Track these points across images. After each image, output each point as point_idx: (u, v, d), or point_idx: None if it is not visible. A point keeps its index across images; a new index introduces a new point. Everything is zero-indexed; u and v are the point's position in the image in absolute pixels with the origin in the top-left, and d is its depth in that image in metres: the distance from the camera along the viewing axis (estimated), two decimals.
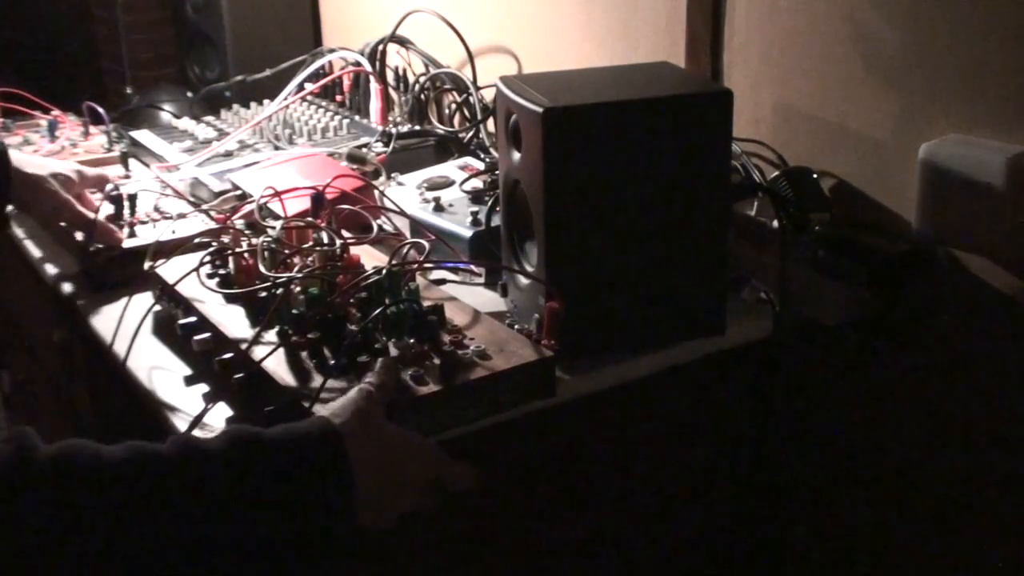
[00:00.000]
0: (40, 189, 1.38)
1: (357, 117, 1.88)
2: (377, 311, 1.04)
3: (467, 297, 1.18)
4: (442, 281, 1.28)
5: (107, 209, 1.42)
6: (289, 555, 0.81)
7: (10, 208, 1.43)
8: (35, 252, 1.50)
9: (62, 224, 1.42)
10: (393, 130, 1.74)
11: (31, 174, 1.37)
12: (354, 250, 1.20)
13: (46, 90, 1.98)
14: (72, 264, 1.41)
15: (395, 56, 1.94)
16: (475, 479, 0.95)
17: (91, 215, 1.37)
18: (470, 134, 1.76)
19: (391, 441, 0.90)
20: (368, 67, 1.85)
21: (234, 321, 1.11)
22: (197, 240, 1.27)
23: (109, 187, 1.50)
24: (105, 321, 1.26)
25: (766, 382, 1.29)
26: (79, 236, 1.38)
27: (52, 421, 1.80)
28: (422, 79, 1.85)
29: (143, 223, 1.43)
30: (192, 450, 0.79)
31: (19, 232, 1.56)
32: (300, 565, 0.82)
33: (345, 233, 1.24)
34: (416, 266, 1.19)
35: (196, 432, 0.99)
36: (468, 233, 1.30)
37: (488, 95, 1.69)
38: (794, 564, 1.44)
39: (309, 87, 1.87)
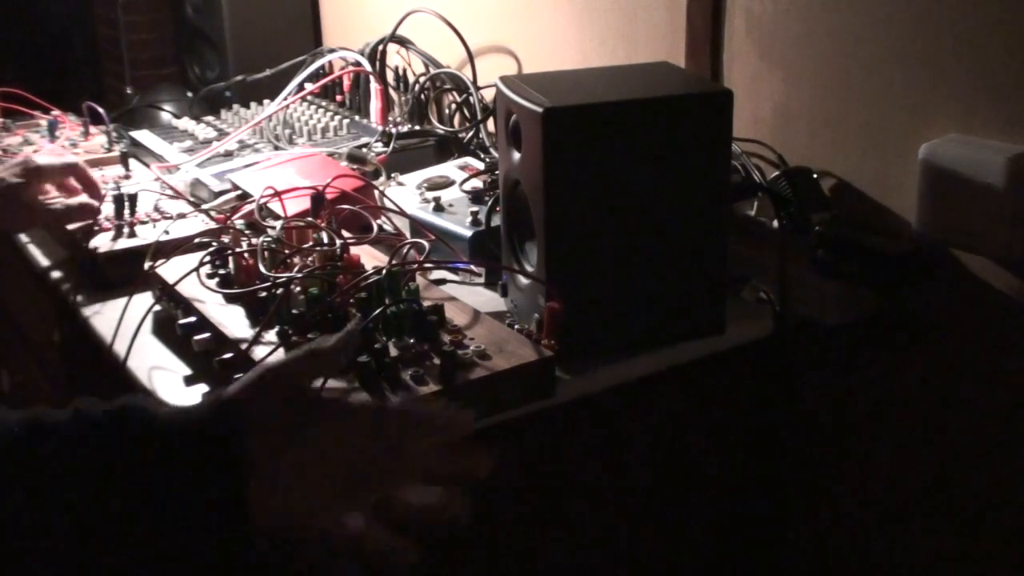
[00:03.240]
0: (2, 211, 1.35)
1: (357, 117, 1.88)
2: (377, 311, 1.04)
3: (467, 297, 1.18)
4: (442, 281, 1.28)
5: (107, 210, 1.42)
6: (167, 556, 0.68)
7: None
8: (35, 252, 1.50)
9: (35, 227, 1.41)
10: (393, 130, 1.74)
11: None
12: (354, 250, 1.20)
13: (46, 90, 1.98)
14: (72, 264, 1.41)
15: (395, 56, 1.94)
16: (488, 465, 0.77)
17: (59, 204, 1.35)
18: (470, 134, 1.76)
19: (321, 413, 0.73)
20: (368, 67, 1.85)
21: (234, 321, 1.11)
22: (197, 240, 1.27)
23: (109, 184, 1.50)
24: (105, 321, 1.26)
25: (766, 382, 1.29)
26: (80, 237, 1.37)
27: None
28: (422, 79, 1.85)
29: (143, 223, 1.43)
30: (82, 415, 0.71)
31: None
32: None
33: (345, 233, 1.24)
34: (416, 266, 1.19)
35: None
36: (468, 233, 1.30)
37: (488, 95, 1.69)
38: (794, 564, 1.44)
39: (309, 87, 1.87)
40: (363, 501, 0.72)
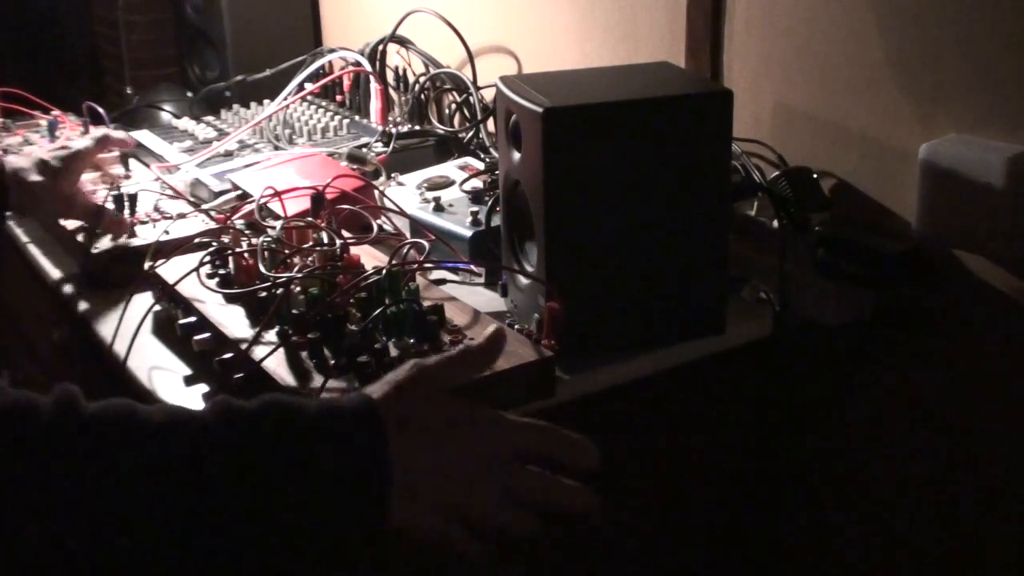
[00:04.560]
0: (42, 196, 1.35)
1: (357, 117, 1.88)
2: (377, 311, 1.04)
3: (467, 297, 1.18)
4: (442, 281, 1.28)
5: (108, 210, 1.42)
6: (312, 537, 0.73)
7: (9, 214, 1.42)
8: (35, 252, 1.50)
9: (70, 219, 1.41)
10: (393, 130, 1.74)
11: (32, 181, 1.34)
12: (354, 250, 1.20)
13: (46, 90, 1.98)
14: (72, 264, 1.41)
15: (395, 56, 1.94)
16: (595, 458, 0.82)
17: (97, 203, 1.36)
18: (470, 134, 1.76)
19: (451, 421, 0.77)
20: (368, 67, 1.85)
21: (234, 321, 1.11)
22: (197, 240, 1.27)
23: (112, 183, 1.50)
24: (105, 321, 1.26)
25: (766, 382, 1.29)
26: (80, 237, 1.37)
27: None
28: (422, 79, 1.85)
29: (143, 223, 1.43)
30: (228, 412, 0.73)
31: (19, 232, 1.55)
32: (323, 553, 0.74)
33: (345, 233, 1.24)
34: (416, 266, 1.19)
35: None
36: (468, 233, 1.30)
37: (488, 95, 1.69)
38: (794, 563, 1.44)
39: (309, 87, 1.87)
40: (491, 501, 0.77)
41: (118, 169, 1.68)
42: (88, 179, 1.59)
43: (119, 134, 1.56)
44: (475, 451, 0.77)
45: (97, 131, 1.50)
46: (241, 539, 0.71)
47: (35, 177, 1.35)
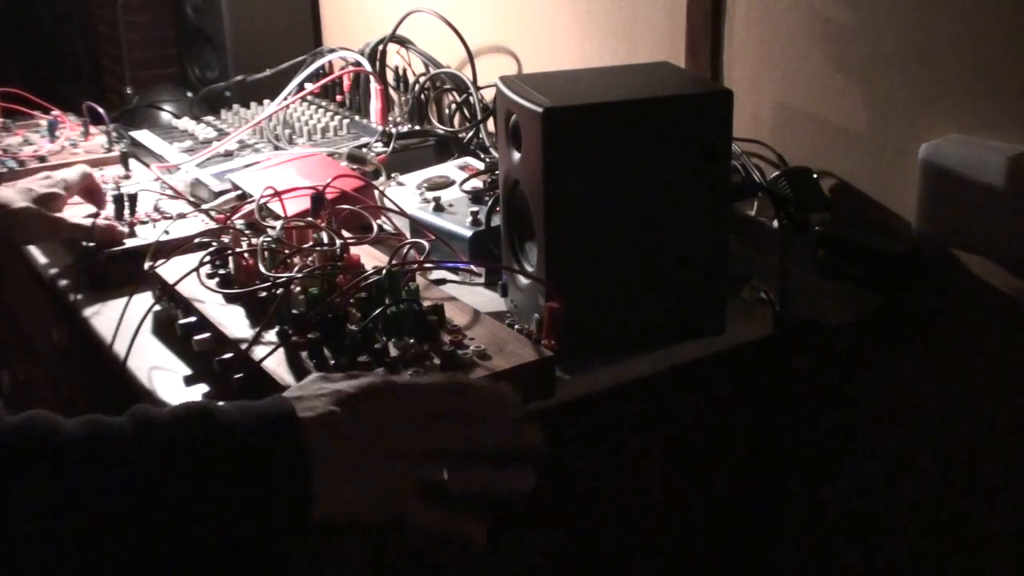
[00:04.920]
0: (30, 220, 1.35)
1: (357, 117, 1.88)
2: (377, 311, 1.04)
3: (467, 297, 1.18)
4: (442, 281, 1.28)
5: (107, 210, 1.42)
6: (236, 541, 0.73)
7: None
8: (35, 252, 1.50)
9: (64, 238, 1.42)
10: (393, 130, 1.74)
11: (18, 209, 1.35)
12: (354, 250, 1.20)
13: (46, 90, 1.98)
14: (72, 264, 1.41)
15: (395, 56, 1.94)
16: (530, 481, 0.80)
17: (87, 222, 1.36)
18: (470, 134, 1.76)
19: (360, 411, 0.77)
20: (368, 67, 1.85)
21: (234, 321, 1.11)
22: (197, 240, 1.27)
23: (109, 184, 1.50)
24: (105, 321, 1.26)
25: (766, 382, 1.29)
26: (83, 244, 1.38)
27: None
28: (422, 79, 1.85)
29: (143, 223, 1.43)
30: (147, 424, 0.73)
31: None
32: (247, 555, 0.74)
33: (345, 233, 1.24)
34: (416, 266, 1.19)
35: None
36: (468, 233, 1.30)
37: (488, 95, 1.69)
38: (793, 564, 1.44)
39: (309, 87, 1.87)
40: (418, 484, 0.77)
41: (118, 169, 1.68)
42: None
43: (95, 180, 1.50)
44: (395, 421, 0.77)
45: (82, 170, 1.48)
46: (165, 547, 0.71)
47: (21, 204, 1.35)
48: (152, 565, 0.71)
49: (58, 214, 1.38)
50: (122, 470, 0.71)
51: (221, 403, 0.77)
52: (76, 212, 1.42)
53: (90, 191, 1.46)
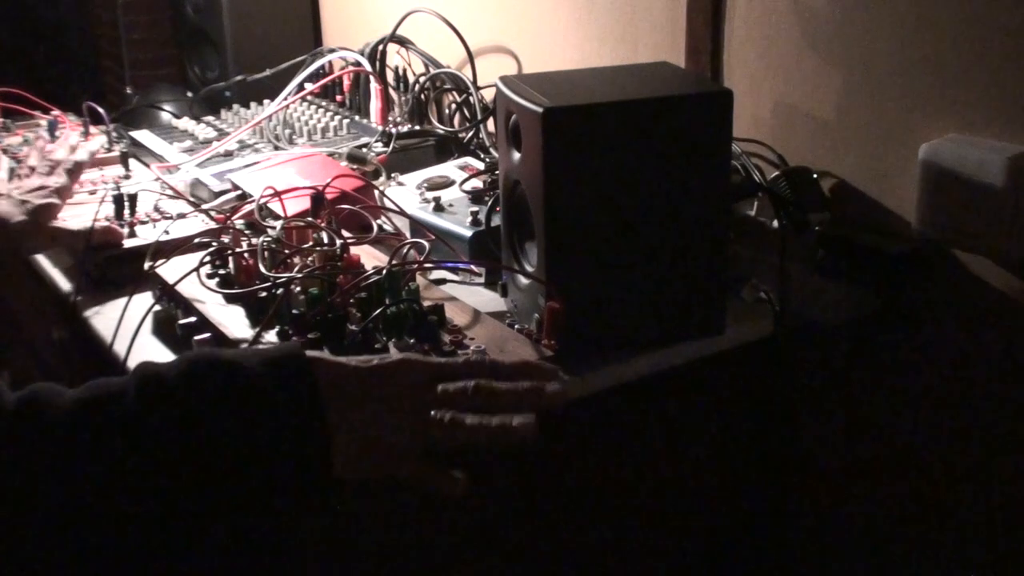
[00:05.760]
0: (27, 233, 1.36)
1: (357, 117, 1.88)
2: (377, 311, 1.04)
3: (467, 297, 1.18)
4: (442, 281, 1.28)
5: (107, 209, 1.42)
6: (256, 493, 0.74)
7: None
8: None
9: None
10: (393, 130, 1.74)
11: (15, 224, 1.34)
12: (354, 250, 1.20)
13: (46, 90, 1.98)
14: (72, 264, 1.41)
15: (395, 56, 1.94)
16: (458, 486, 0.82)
17: (85, 227, 1.36)
18: (470, 134, 1.76)
19: (375, 370, 0.79)
20: (368, 67, 1.85)
21: (234, 321, 1.11)
22: (197, 240, 1.27)
23: (109, 184, 1.49)
24: (105, 321, 1.26)
25: (766, 382, 1.29)
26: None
27: None
28: (422, 79, 1.85)
29: (143, 223, 1.43)
30: (151, 378, 0.74)
31: None
32: (269, 508, 0.76)
33: (345, 233, 1.24)
34: (416, 266, 1.19)
35: None
36: (468, 233, 1.30)
37: (488, 95, 1.69)
38: (794, 563, 1.44)
39: (309, 87, 1.87)
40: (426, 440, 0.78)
41: (118, 169, 1.68)
42: (87, 178, 1.59)
43: (85, 154, 1.53)
44: (406, 382, 0.79)
45: (68, 162, 1.48)
46: (184, 502, 0.72)
47: (18, 219, 1.35)
48: (167, 524, 0.72)
49: (56, 223, 1.38)
50: (126, 430, 0.71)
51: (226, 350, 0.77)
52: (77, 213, 1.42)
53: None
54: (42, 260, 1.47)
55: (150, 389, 0.73)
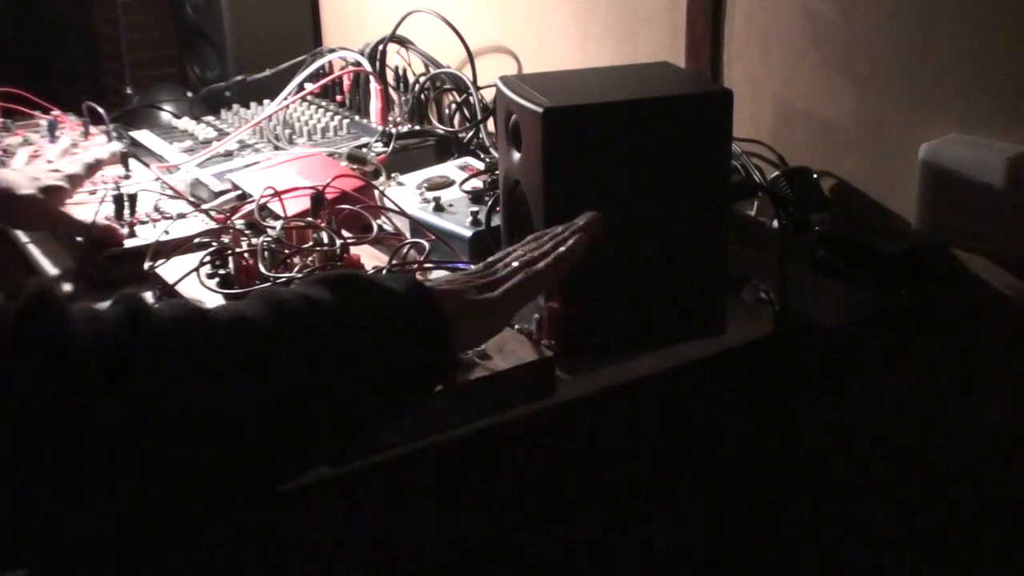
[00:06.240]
0: (32, 208, 1.37)
1: (357, 117, 1.88)
2: None
3: None
4: None
5: (107, 209, 1.42)
6: (398, 380, 0.83)
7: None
8: (35, 252, 1.50)
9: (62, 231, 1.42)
10: (393, 130, 1.74)
11: (22, 195, 1.36)
12: (354, 250, 1.20)
13: (46, 90, 1.98)
14: (72, 264, 1.41)
15: (395, 56, 1.94)
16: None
17: (87, 219, 1.37)
18: (470, 134, 1.76)
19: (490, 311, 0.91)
20: (368, 67, 1.85)
21: None
22: (197, 240, 1.27)
23: (109, 184, 1.49)
24: None
25: (766, 382, 1.28)
26: (79, 239, 1.38)
27: None
28: (422, 79, 1.85)
29: (143, 223, 1.43)
30: (308, 300, 0.80)
31: (19, 233, 1.55)
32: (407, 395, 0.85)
33: (345, 233, 1.24)
34: (416, 266, 1.19)
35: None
36: (468, 233, 1.30)
37: (488, 95, 1.69)
38: (794, 563, 1.44)
39: (309, 87, 1.87)
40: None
41: (118, 169, 1.68)
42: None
43: (105, 153, 1.57)
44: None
45: (88, 156, 1.52)
46: (341, 395, 0.78)
47: (27, 191, 1.36)
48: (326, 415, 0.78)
49: (61, 207, 1.39)
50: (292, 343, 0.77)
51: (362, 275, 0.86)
52: (78, 213, 1.42)
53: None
54: (42, 260, 1.47)
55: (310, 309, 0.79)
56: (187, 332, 0.73)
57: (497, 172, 1.32)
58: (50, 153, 1.52)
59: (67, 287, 1.37)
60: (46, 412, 0.65)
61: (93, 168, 1.51)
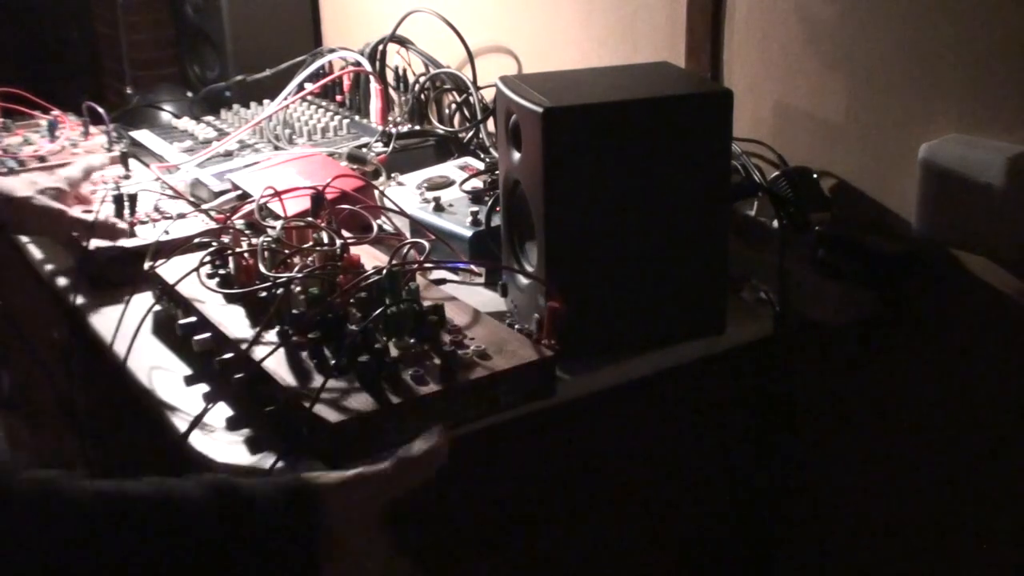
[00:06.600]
0: (30, 209, 1.37)
1: (357, 117, 1.88)
2: (377, 311, 1.04)
3: (467, 297, 1.18)
4: (442, 281, 1.28)
5: (107, 209, 1.42)
6: None
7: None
8: (35, 252, 1.50)
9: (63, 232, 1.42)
10: (393, 130, 1.74)
11: (20, 197, 1.37)
12: (354, 250, 1.20)
13: (46, 90, 1.98)
14: (72, 264, 1.41)
15: (395, 56, 1.94)
16: None
17: (88, 217, 1.37)
18: (470, 134, 1.76)
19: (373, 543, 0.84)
20: (368, 67, 1.85)
21: (234, 321, 1.11)
22: (197, 240, 1.27)
23: (109, 184, 1.50)
24: (105, 321, 1.26)
25: (766, 382, 1.29)
26: (79, 236, 1.38)
27: (52, 421, 1.80)
28: (422, 79, 1.85)
29: (143, 223, 1.43)
30: (173, 496, 0.77)
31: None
32: None
33: (345, 233, 1.24)
34: (416, 266, 1.19)
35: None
36: (468, 233, 1.30)
37: (488, 95, 1.69)
38: (792, 564, 1.44)
39: (309, 87, 1.87)
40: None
41: (118, 169, 1.68)
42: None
43: (101, 160, 1.61)
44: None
45: (82, 161, 1.53)
46: None
47: (24, 194, 1.37)
48: None
49: (59, 213, 1.39)
50: (140, 541, 0.74)
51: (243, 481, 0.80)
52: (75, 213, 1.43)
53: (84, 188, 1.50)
54: (42, 260, 1.47)
55: (172, 508, 0.76)
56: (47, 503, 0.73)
57: (497, 172, 1.32)
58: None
59: (68, 287, 1.37)
60: None
61: (88, 171, 1.52)
